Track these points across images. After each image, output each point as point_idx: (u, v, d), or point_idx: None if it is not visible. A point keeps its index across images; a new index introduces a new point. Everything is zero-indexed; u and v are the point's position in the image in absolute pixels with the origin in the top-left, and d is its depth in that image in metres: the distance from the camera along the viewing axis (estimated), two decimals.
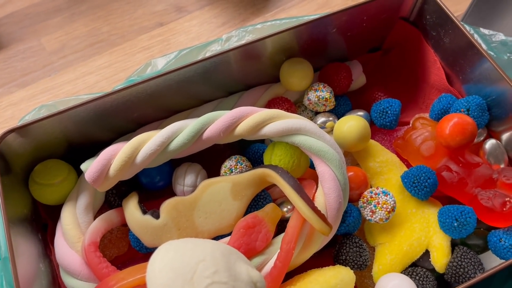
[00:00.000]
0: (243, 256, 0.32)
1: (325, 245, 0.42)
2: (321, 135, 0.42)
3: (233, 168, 0.43)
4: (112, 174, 0.40)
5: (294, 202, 0.39)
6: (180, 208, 0.41)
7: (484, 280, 0.40)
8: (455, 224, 0.40)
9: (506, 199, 0.39)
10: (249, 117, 0.42)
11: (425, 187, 0.42)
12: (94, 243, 0.40)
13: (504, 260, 0.40)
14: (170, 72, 0.42)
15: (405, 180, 0.43)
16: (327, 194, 0.40)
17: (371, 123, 0.50)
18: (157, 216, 0.41)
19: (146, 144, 0.41)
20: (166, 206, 0.41)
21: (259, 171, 0.42)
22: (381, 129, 0.50)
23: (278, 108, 0.48)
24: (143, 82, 0.42)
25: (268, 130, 0.42)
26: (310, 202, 0.39)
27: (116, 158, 0.40)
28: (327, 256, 0.43)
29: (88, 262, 0.39)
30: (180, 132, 0.42)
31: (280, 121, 0.42)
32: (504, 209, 0.39)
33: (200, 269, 0.28)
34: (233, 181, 0.42)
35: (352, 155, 0.48)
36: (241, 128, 0.42)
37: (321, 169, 0.41)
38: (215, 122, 0.42)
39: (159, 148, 0.41)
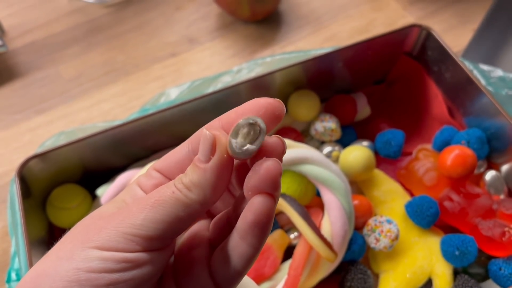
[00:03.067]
0: (253, 283, 0.34)
1: (331, 272, 0.43)
2: (328, 165, 0.43)
3: None
4: None
5: (301, 229, 0.41)
6: None
7: None
8: (457, 253, 0.41)
9: (505, 229, 0.41)
10: None
11: (427, 216, 0.43)
12: None
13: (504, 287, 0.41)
14: (184, 104, 0.45)
15: (409, 209, 0.44)
16: (333, 222, 0.42)
17: (376, 153, 0.52)
18: None
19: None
20: None
21: None
22: (385, 159, 0.51)
23: (286, 138, 0.50)
24: (159, 112, 0.45)
25: None
26: (316, 230, 0.41)
27: None
28: (333, 282, 0.44)
29: None
30: None
31: (288, 151, 0.44)
32: (503, 238, 0.40)
33: None
34: None
35: (357, 184, 0.49)
36: None
37: (327, 197, 0.43)
38: None
39: None
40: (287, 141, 0.44)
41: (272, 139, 0.21)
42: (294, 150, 0.44)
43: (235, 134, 0.20)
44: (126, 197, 0.22)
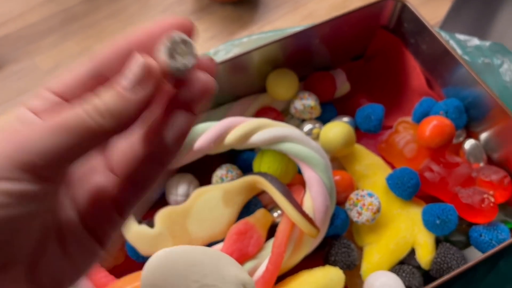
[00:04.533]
0: (233, 261, 0.34)
1: (316, 248, 0.44)
2: (307, 142, 0.43)
3: (224, 177, 0.45)
4: None
5: (283, 207, 0.41)
6: (174, 217, 0.42)
7: (467, 275, 0.42)
8: (438, 222, 0.41)
9: (484, 196, 0.41)
10: (238, 127, 0.44)
11: (408, 187, 0.43)
12: None
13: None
14: None
15: (390, 181, 0.45)
16: (315, 198, 0.42)
17: (356, 128, 0.52)
18: (152, 225, 0.42)
19: None
20: (161, 216, 0.42)
21: (249, 178, 0.43)
22: (366, 134, 0.51)
23: (266, 118, 0.50)
24: None
25: (257, 138, 0.43)
26: (298, 207, 0.41)
27: None
28: (318, 258, 0.45)
29: None
30: None
31: (268, 130, 0.44)
32: (483, 205, 0.41)
33: (189, 273, 0.29)
34: (225, 189, 0.43)
35: (339, 160, 0.49)
36: (231, 138, 0.44)
37: (308, 174, 0.43)
38: (205, 133, 0.44)
39: None
40: (267, 121, 0.44)
41: (203, 56, 0.20)
42: (274, 129, 0.44)
43: (169, 53, 0.19)
44: (14, 123, 0.19)
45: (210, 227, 0.43)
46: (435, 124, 0.44)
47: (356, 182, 0.48)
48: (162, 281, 0.29)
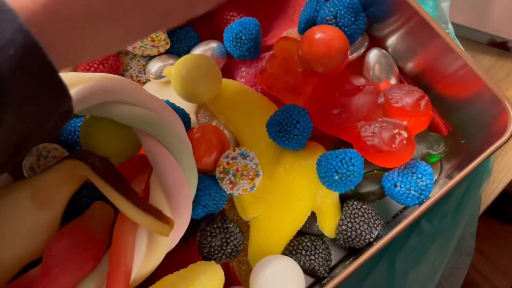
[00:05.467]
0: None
1: (189, 231, 0.32)
2: (137, 96, 0.30)
3: (35, 167, 0.31)
4: None
5: (114, 202, 0.28)
6: None
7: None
8: (336, 177, 0.30)
9: (395, 131, 0.29)
10: None
11: (295, 134, 0.31)
12: None
13: (404, 205, 0.31)
14: None
15: (270, 129, 0.32)
16: (163, 179, 0.29)
17: (229, 56, 0.38)
18: None
19: None
20: None
21: (64, 164, 0.30)
22: (242, 62, 0.38)
23: (91, 69, 0.35)
24: None
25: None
26: (135, 198, 0.28)
27: None
28: (193, 243, 0.33)
29: None
30: None
31: (83, 86, 0.30)
32: (394, 145, 0.29)
33: None
34: (32, 185, 0.30)
35: (207, 107, 0.36)
36: None
37: (148, 145, 0.29)
38: None
39: None
40: (77, 75, 0.30)
41: None
42: (88, 85, 0.30)
43: None
44: None
45: (21, 244, 0.30)
46: (317, 41, 0.30)
47: (235, 134, 0.35)
48: None
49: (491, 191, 0.37)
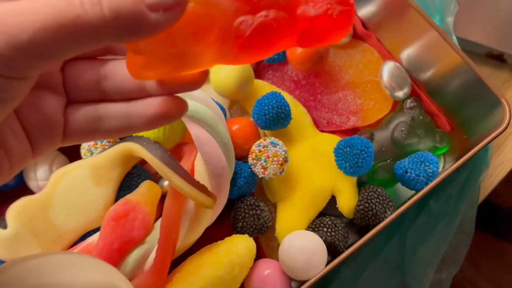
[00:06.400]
0: (96, 262, 0.26)
1: (223, 212, 0.36)
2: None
3: (92, 148, 0.36)
4: None
5: (167, 177, 0.33)
6: (31, 211, 0.33)
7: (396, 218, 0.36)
8: (350, 163, 0.35)
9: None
10: None
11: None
12: None
13: (413, 190, 0.36)
14: None
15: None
16: (206, 160, 0.34)
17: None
18: (4, 226, 0.33)
19: None
20: (13, 212, 0.33)
21: (121, 147, 0.34)
22: (270, 65, 0.43)
23: None
24: None
25: None
26: (185, 174, 0.32)
27: None
28: (227, 223, 0.38)
29: None
30: None
31: None
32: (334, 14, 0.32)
33: None
34: (92, 164, 0.34)
35: (240, 103, 0.41)
36: None
37: (194, 132, 0.34)
38: None
39: None
40: None
41: None
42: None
43: None
44: None
45: (81, 215, 0.34)
46: None
47: None
48: None
49: (488, 183, 0.42)
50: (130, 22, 0.16)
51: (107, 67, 0.22)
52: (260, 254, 0.38)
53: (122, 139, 0.35)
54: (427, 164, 0.35)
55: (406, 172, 0.35)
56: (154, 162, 0.33)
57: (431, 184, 0.31)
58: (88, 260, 0.27)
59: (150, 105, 0.21)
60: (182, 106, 0.22)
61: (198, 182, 0.33)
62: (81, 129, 0.22)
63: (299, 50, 0.38)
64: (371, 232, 0.32)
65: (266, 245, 0.38)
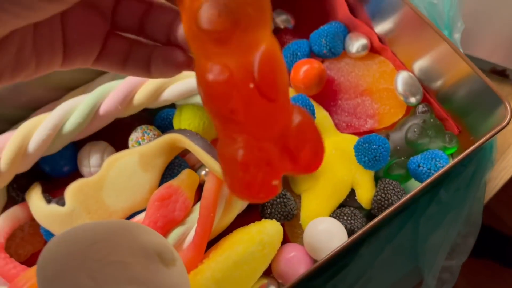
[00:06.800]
0: (149, 230, 0.30)
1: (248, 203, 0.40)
2: None
3: (140, 140, 0.40)
4: (4, 168, 0.37)
5: (206, 163, 0.37)
6: (86, 190, 0.38)
7: (409, 207, 0.40)
8: (368, 158, 0.39)
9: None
10: (146, 84, 0.39)
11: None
12: None
13: None
14: None
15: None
16: None
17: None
18: (62, 203, 0.38)
19: (37, 130, 0.37)
20: (71, 191, 0.38)
21: (166, 137, 0.39)
22: None
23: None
24: None
25: (169, 94, 0.39)
26: None
27: (4, 151, 0.37)
28: (255, 212, 0.42)
29: None
30: (73, 111, 0.38)
31: (180, 83, 0.40)
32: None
33: (90, 253, 0.25)
34: (140, 152, 0.39)
35: None
36: (139, 97, 0.39)
37: None
38: (110, 95, 0.39)
39: (52, 132, 0.37)
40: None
41: None
42: (186, 81, 0.40)
43: None
44: None
45: (129, 196, 0.39)
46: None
47: None
48: (58, 271, 0.25)
49: (493, 185, 0.45)
50: None
51: (155, 10, 0.24)
52: (285, 240, 0.41)
53: (167, 132, 0.40)
54: (437, 159, 0.39)
55: (419, 166, 0.39)
56: (196, 150, 0.37)
57: (439, 171, 0.35)
58: (141, 226, 0.31)
59: (174, 51, 0.23)
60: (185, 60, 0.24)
61: None
62: (111, 58, 0.24)
63: (301, 76, 0.43)
64: (386, 211, 0.35)
65: (291, 232, 0.42)
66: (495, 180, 0.46)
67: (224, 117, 0.20)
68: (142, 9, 0.24)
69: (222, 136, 0.21)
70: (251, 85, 0.19)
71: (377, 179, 0.41)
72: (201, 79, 0.20)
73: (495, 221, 0.94)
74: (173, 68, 0.24)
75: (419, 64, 0.44)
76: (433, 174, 0.38)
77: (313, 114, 0.41)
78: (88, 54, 0.23)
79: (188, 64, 0.24)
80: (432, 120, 0.42)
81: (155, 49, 0.24)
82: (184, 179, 0.39)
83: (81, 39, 0.23)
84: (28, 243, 0.41)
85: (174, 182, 0.38)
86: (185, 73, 0.40)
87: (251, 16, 0.19)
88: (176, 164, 0.40)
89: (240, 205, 0.39)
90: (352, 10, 0.47)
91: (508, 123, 0.35)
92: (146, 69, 0.24)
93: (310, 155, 0.23)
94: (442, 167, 0.38)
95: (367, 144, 0.39)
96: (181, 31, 0.23)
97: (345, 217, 0.40)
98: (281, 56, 0.21)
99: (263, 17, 0.20)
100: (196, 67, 0.21)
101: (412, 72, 0.44)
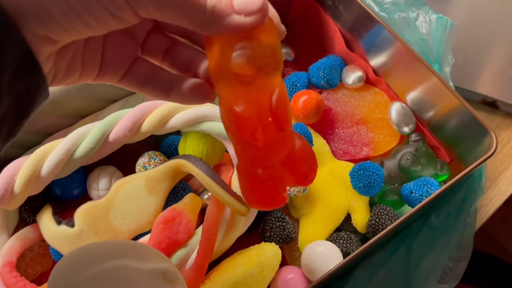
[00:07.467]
0: (154, 251, 0.32)
1: (251, 226, 0.42)
2: None
3: (146, 165, 0.43)
4: (18, 190, 0.39)
5: (209, 188, 0.39)
6: (95, 212, 0.40)
7: (401, 232, 0.42)
8: (363, 184, 0.41)
9: None
10: (154, 112, 0.41)
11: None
12: (9, 263, 0.39)
13: None
14: None
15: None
16: None
17: None
18: (72, 225, 0.40)
19: (50, 155, 0.40)
20: (80, 213, 0.40)
21: (171, 163, 0.41)
22: None
23: None
24: None
25: (175, 122, 0.41)
26: (224, 185, 0.39)
27: (19, 174, 0.39)
28: (255, 236, 0.44)
29: (5, 284, 0.38)
30: (84, 137, 0.41)
31: (185, 112, 0.42)
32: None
33: (99, 271, 0.27)
34: (146, 177, 0.41)
35: None
36: (147, 124, 0.41)
37: (233, 152, 0.41)
38: (119, 122, 0.41)
39: (64, 157, 0.39)
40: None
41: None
42: (191, 110, 0.42)
43: None
44: None
45: (135, 219, 0.41)
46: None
47: None
48: (69, 286, 0.27)
49: (485, 212, 0.47)
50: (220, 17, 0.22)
51: (178, 46, 0.28)
52: (284, 263, 0.43)
53: (172, 158, 0.42)
54: (429, 186, 0.41)
55: (411, 192, 0.41)
56: (200, 175, 0.40)
57: (430, 196, 0.37)
58: (147, 247, 0.33)
59: (191, 82, 0.27)
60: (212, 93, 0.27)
61: (235, 192, 0.39)
62: (135, 77, 0.27)
63: (300, 106, 0.45)
64: (379, 234, 0.37)
65: (289, 255, 0.43)
66: (487, 207, 0.47)
67: (247, 143, 0.25)
68: (168, 43, 0.28)
69: (242, 158, 0.26)
70: (270, 119, 0.24)
71: (372, 204, 0.43)
72: (229, 112, 0.24)
73: (492, 246, 0.95)
74: (200, 97, 0.27)
75: (412, 96, 0.46)
76: (424, 200, 0.40)
77: (311, 142, 0.44)
78: (118, 71, 0.27)
79: (213, 97, 0.27)
80: (424, 148, 0.44)
81: (183, 78, 0.27)
82: (188, 203, 0.41)
83: (115, 58, 0.26)
84: (37, 263, 0.43)
85: (178, 206, 0.40)
86: None
87: (270, 64, 0.24)
88: (180, 188, 0.42)
89: (240, 229, 0.41)
90: (348, 44, 0.50)
91: (494, 152, 0.37)
92: (165, 92, 0.27)
93: (308, 171, 0.28)
94: (433, 193, 0.40)
95: (362, 171, 0.41)
96: (203, 68, 0.27)
97: (341, 241, 0.41)
98: (287, 93, 0.25)
99: (278, 65, 0.24)
100: (221, 100, 0.25)
101: (405, 103, 0.47)
